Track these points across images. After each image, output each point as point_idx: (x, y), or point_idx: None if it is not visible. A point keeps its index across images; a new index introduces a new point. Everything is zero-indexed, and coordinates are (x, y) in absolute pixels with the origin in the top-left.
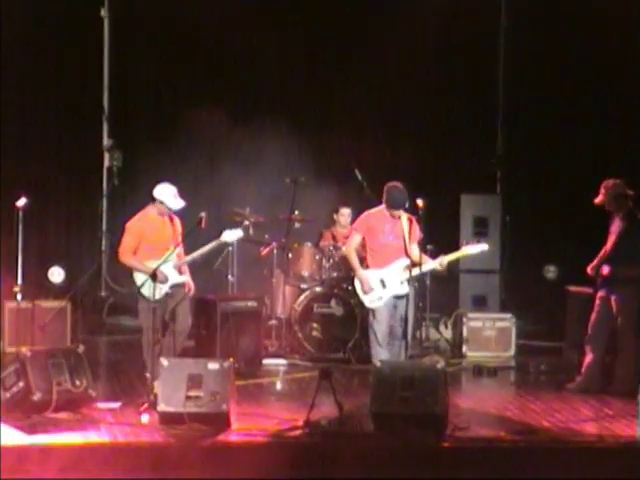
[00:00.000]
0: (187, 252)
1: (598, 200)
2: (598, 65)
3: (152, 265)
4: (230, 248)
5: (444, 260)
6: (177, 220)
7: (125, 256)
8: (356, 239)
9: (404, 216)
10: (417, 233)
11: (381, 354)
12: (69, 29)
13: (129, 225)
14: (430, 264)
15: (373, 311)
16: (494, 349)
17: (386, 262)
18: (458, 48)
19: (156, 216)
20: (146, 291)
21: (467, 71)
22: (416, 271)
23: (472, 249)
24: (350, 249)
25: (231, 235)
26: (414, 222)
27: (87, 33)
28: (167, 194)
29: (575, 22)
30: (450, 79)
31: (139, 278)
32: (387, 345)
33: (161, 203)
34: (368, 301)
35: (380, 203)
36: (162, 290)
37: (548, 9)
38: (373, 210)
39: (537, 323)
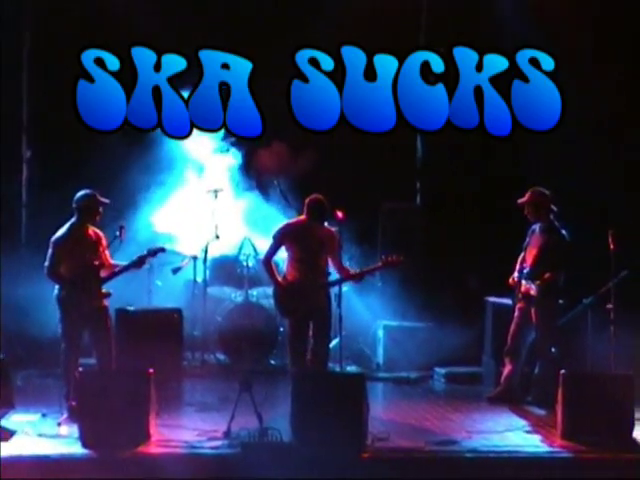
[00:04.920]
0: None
1: (521, 201)
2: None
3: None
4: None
5: (363, 273)
6: (102, 236)
7: (52, 273)
8: (274, 249)
9: (324, 228)
10: (337, 244)
11: (300, 365)
12: None
13: (56, 240)
14: (349, 276)
15: (290, 322)
16: (414, 359)
17: (304, 273)
18: None
19: (81, 230)
20: (66, 300)
21: None
22: (335, 283)
23: (390, 264)
24: (268, 259)
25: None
26: (334, 234)
27: (4, 42)
28: (89, 198)
29: None
30: None
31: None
32: (307, 356)
33: (88, 208)
34: (285, 311)
35: (300, 213)
36: (84, 306)
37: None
38: (293, 220)
39: (457, 333)
